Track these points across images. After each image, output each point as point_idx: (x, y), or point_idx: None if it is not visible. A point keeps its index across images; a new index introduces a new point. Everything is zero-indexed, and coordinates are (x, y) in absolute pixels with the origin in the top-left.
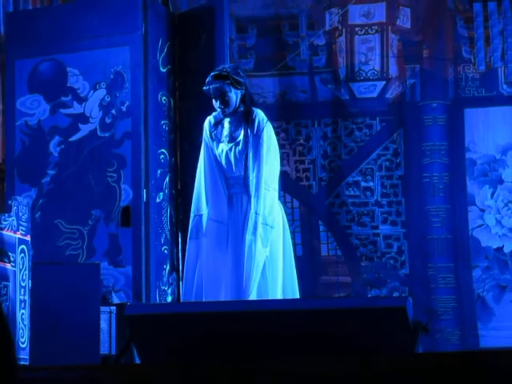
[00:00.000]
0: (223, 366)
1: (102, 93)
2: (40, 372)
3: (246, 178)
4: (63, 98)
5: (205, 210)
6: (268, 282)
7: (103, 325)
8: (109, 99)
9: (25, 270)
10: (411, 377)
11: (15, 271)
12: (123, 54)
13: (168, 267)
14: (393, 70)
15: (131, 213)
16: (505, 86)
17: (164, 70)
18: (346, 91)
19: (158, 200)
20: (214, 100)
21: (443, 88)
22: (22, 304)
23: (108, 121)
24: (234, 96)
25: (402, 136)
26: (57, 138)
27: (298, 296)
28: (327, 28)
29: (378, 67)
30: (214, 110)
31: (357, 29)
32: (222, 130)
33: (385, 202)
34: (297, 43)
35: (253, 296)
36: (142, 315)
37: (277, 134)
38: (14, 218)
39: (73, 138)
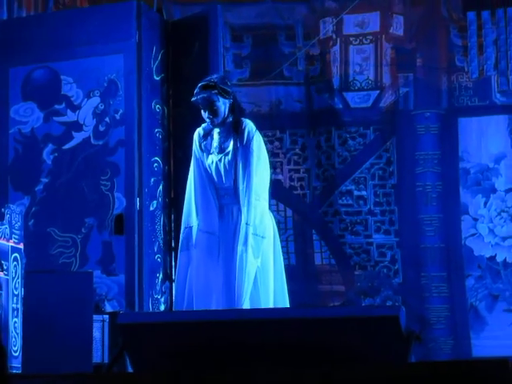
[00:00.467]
0: (215, 375)
1: (95, 101)
2: (35, 380)
3: (236, 188)
4: (57, 106)
5: (195, 222)
6: (260, 293)
7: (96, 333)
8: (102, 107)
9: (18, 278)
10: None
11: (8, 279)
12: (117, 61)
13: (161, 276)
14: (386, 79)
15: (124, 221)
16: (498, 95)
17: (158, 78)
18: (340, 101)
19: (151, 208)
20: (202, 111)
21: (436, 97)
22: (15, 312)
23: (102, 129)
24: (223, 106)
25: (395, 145)
26: (50, 146)
27: (287, 306)
28: (321, 37)
29: (372, 77)
30: None
31: (351, 39)
32: (211, 141)
33: (378, 210)
34: (293, 53)
35: (246, 307)
36: (135, 324)
37: (271, 142)
38: (7, 226)
39: (66, 146)
